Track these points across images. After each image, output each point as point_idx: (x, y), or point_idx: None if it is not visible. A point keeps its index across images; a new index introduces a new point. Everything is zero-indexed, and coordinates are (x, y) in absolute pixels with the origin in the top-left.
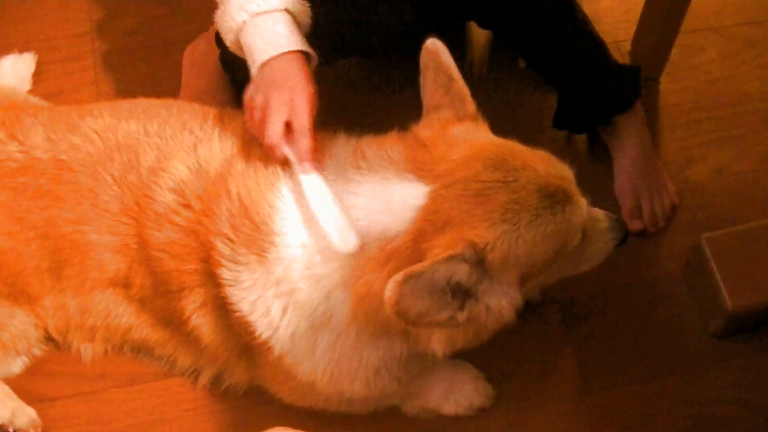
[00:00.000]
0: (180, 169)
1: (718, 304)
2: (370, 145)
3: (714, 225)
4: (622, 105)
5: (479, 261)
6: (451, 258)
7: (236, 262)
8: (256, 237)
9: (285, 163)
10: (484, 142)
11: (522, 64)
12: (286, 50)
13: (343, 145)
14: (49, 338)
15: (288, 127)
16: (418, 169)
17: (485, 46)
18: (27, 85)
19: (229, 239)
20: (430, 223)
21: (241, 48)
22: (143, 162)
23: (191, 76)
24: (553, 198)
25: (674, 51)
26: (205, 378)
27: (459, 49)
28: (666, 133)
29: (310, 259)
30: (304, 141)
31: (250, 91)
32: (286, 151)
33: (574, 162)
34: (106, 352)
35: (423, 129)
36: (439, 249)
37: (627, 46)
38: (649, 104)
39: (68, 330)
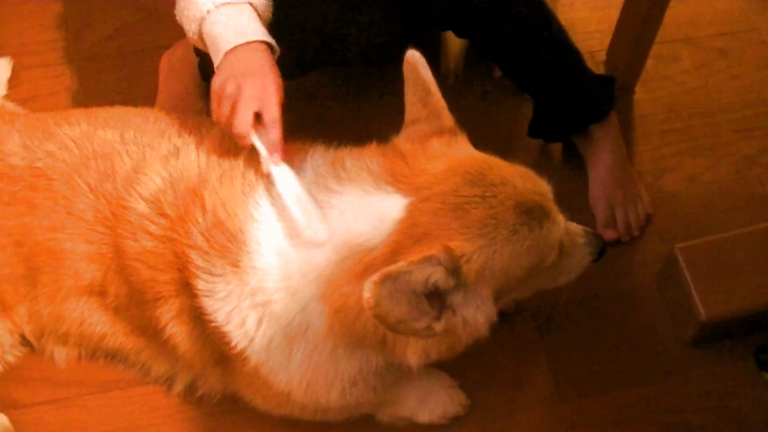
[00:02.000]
0: (155, 179)
1: (691, 313)
2: (349, 155)
3: (687, 234)
4: (596, 115)
5: (455, 269)
6: (426, 259)
7: (211, 273)
8: (231, 248)
9: (253, 153)
10: (463, 156)
11: (498, 73)
12: (252, 39)
13: (321, 155)
14: (23, 343)
15: (257, 117)
16: (397, 182)
17: (460, 54)
18: (2, 90)
19: (204, 251)
20: (407, 236)
21: (203, 40)
22: (119, 171)
23: (168, 83)
24: (530, 214)
25: (649, 61)
26: (180, 385)
27: (435, 57)
28: (640, 142)
29: (285, 271)
30: (274, 132)
31: (218, 80)
32: (255, 141)
33: (549, 171)
34: (79, 356)
35: (402, 141)
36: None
37: (602, 56)
38: (624, 114)
39: (42, 335)
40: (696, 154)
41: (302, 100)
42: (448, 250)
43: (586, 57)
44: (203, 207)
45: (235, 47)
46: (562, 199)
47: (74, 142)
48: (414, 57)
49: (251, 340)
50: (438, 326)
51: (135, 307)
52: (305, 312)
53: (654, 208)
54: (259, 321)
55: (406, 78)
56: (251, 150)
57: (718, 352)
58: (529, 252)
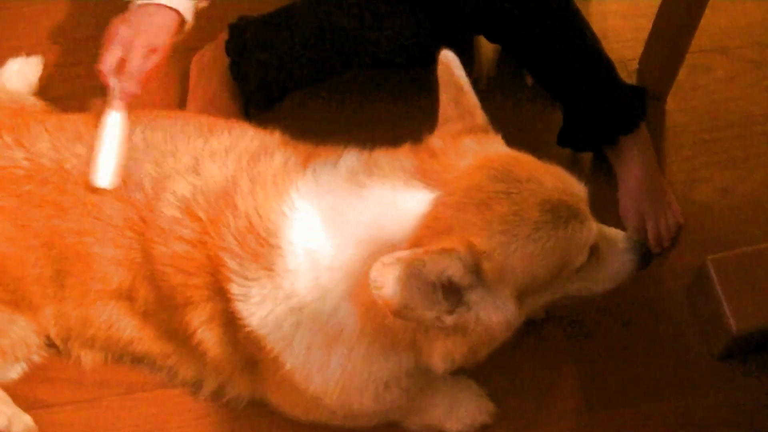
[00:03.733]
0: (185, 185)
1: (721, 325)
2: (383, 154)
3: (718, 245)
4: (627, 126)
5: (475, 267)
6: (445, 251)
7: (245, 277)
8: (264, 252)
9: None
10: (492, 153)
11: (530, 80)
12: (168, 4)
13: (356, 154)
14: (49, 344)
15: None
16: (426, 178)
17: (493, 60)
18: (33, 88)
19: (237, 254)
20: (430, 230)
21: None
22: (146, 177)
23: (199, 84)
24: (555, 212)
25: (681, 71)
26: (207, 390)
27: (467, 63)
28: (671, 152)
29: (315, 271)
30: (129, 83)
31: (115, 22)
32: (112, 83)
33: (578, 180)
34: (106, 360)
35: (435, 139)
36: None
37: (634, 65)
38: (655, 124)
39: (69, 338)
40: (728, 166)
41: (334, 102)
42: (470, 246)
43: (618, 65)
44: (235, 211)
45: (146, 3)
46: (591, 209)
47: None
48: (447, 57)
49: (288, 344)
50: (449, 319)
51: (164, 311)
52: (337, 313)
53: (685, 219)
54: (296, 325)
55: (440, 78)
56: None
57: (747, 366)
58: (552, 251)
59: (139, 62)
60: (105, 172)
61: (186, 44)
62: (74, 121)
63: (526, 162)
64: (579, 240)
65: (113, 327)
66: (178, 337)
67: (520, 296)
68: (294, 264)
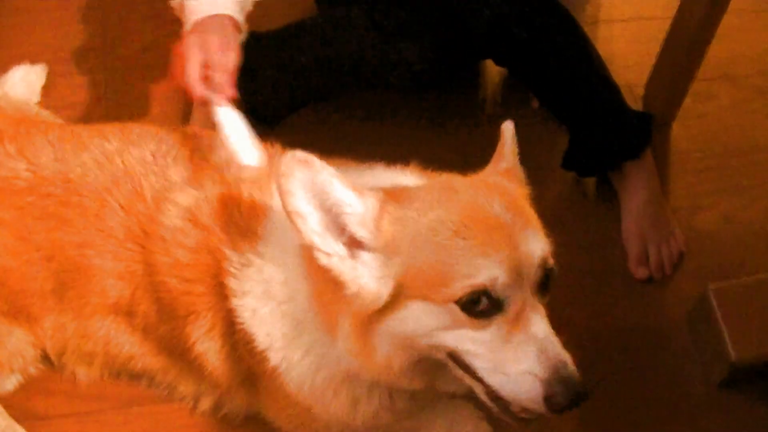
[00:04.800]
0: (187, 197)
1: (721, 354)
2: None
3: (720, 274)
4: (632, 151)
5: (375, 222)
6: (357, 190)
7: (242, 265)
8: (258, 234)
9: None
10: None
11: (535, 103)
12: (222, 12)
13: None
14: (45, 357)
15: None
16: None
17: (499, 84)
18: (37, 96)
19: (237, 244)
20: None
21: (182, 10)
22: (150, 189)
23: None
24: (474, 227)
25: (686, 98)
26: (205, 404)
27: (473, 86)
28: (675, 178)
29: (284, 252)
30: (219, 75)
31: (182, 42)
32: (204, 92)
33: (581, 203)
34: (102, 375)
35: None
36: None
37: (640, 90)
38: (660, 149)
39: (65, 352)
40: (732, 193)
41: (337, 119)
42: (383, 202)
43: (624, 90)
44: (240, 199)
45: (205, 17)
46: (595, 234)
47: (106, 158)
48: (507, 127)
49: (269, 336)
50: (335, 260)
51: (164, 325)
52: (299, 292)
53: (687, 247)
54: (272, 310)
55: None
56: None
57: (746, 395)
58: (446, 252)
59: (222, 59)
60: (247, 153)
61: None
62: (78, 133)
63: (501, 190)
64: (472, 266)
65: (111, 343)
66: (177, 351)
67: (400, 287)
68: (277, 220)
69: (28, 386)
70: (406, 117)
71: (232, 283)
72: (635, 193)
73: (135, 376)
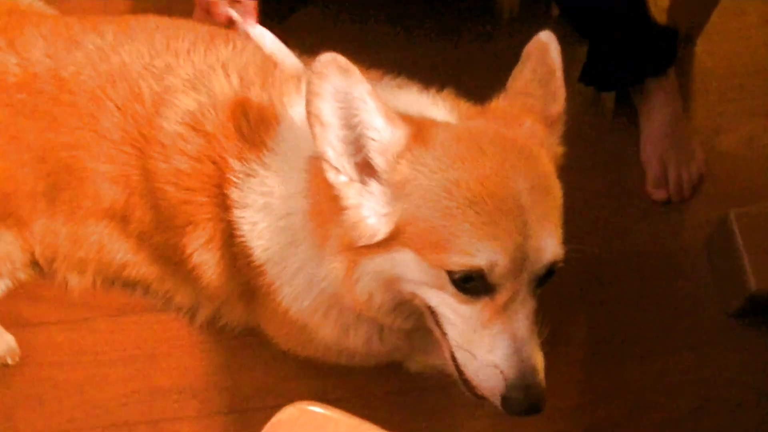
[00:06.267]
0: (189, 100)
1: (740, 282)
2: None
3: (741, 198)
4: (655, 68)
5: (395, 156)
6: (388, 116)
7: (246, 175)
8: (269, 132)
9: (230, 25)
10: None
11: (555, 12)
12: None
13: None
14: (35, 263)
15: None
16: (464, 115)
17: None
18: None
19: (242, 152)
20: (413, 119)
21: None
22: (149, 89)
23: None
24: (487, 202)
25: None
26: (202, 316)
27: None
28: (698, 97)
29: (286, 173)
30: (247, 1)
31: None
32: (230, 11)
33: (599, 120)
34: (94, 284)
35: (499, 102)
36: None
37: (665, 3)
38: (683, 67)
39: (55, 258)
40: (755, 114)
41: (348, 22)
42: (411, 137)
43: (647, 1)
44: (248, 104)
45: None
46: (612, 154)
47: (102, 54)
48: (549, 38)
49: (266, 250)
50: (342, 178)
51: (160, 234)
52: (298, 205)
53: (708, 169)
54: (272, 224)
55: (527, 54)
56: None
57: (761, 327)
58: (450, 217)
59: None
60: (292, 61)
61: None
62: (71, 26)
63: (532, 165)
64: (474, 244)
65: (105, 249)
66: (174, 261)
67: (398, 231)
68: (288, 130)
69: (16, 292)
70: (419, 23)
71: (234, 194)
72: (656, 112)
73: (129, 285)
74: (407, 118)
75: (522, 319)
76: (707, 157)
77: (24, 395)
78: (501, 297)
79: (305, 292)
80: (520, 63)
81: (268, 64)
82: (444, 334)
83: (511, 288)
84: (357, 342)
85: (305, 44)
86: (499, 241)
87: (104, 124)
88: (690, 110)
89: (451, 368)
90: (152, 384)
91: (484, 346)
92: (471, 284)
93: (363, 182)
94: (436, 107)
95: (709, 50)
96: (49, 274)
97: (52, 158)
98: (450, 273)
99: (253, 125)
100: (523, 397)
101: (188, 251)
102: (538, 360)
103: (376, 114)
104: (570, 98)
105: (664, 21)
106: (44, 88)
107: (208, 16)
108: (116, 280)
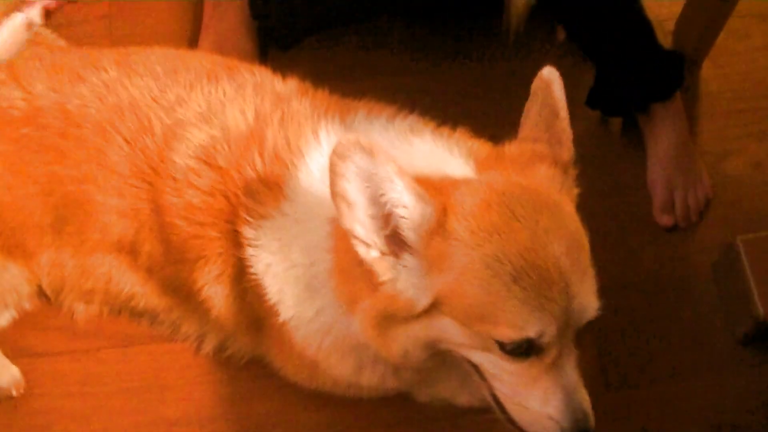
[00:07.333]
0: (201, 133)
1: (748, 308)
2: (459, 132)
3: (749, 223)
4: (661, 93)
5: (427, 231)
6: (415, 191)
7: (260, 216)
8: (283, 175)
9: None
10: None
11: (561, 36)
12: None
13: (416, 118)
14: (41, 293)
15: None
16: (480, 165)
17: (524, 14)
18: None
19: (257, 191)
20: (436, 184)
21: None
22: (160, 122)
23: (213, 21)
24: (530, 275)
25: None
26: (209, 346)
27: (496, 15)
28: (704, 121)
29: (306, 223)
30: None
31: None
32: None
33: (605, 144)
34: (101, 313)
35: (512, 148)
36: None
37: (670, 25)
38: (689, 89)
39: (62, 289)
40: (762, 138)
41: (356, 48)
42: (442, 212)
43: (653, 25)
44: (263, 143)
45: None
46: (619, 178)
47: (108, 88)
48: (551, 74)
49: (281, 290)
50: (374, 252)
51: (170, 267)
52: (319, 258)
53: (715, 193)
54: (288, 268)
55: (533, 93)
56: None
57: None
58: (494, 294)
59: None
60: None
61: None
62: (76, 59)
63: (562, 220)
64: (523, 318)
65: (113, 281)
66: (183, 293)
67: (438, 302)
68: (306, 181)
69: (22, 322)
70: (427, 46)
71: (247, 232)
72: (662, 136)
73: (136, 314)
74: (432, 188)
75: (570, 369)
76: (714, 180)
77: (30, 427)
78: (549, 356)
79: (322, 335)
80: (529, 101)
81: (284, 98)
82: (485, 380)
83: (558, 346)
84: (371, 380)
85: (311, 72)
86: (546, 311)
87: (112, 158)
88: (696, 133)
89: (493, 407)
90: (159, 415)
91: (537, 400)
92: (519, 350)
93: (396, 255)
94: (453, 156)
95: (715, 74)
96: (55, 304)
97: (59, 191)
98: (497, 342)
99: (269, 167)
100: None
101: (198, 285)
102: (587, 404)
103: (404, 192)
104: (577, 122)
105: (670, 44)
106: (50, 122)
107: None
108: (123, 310)
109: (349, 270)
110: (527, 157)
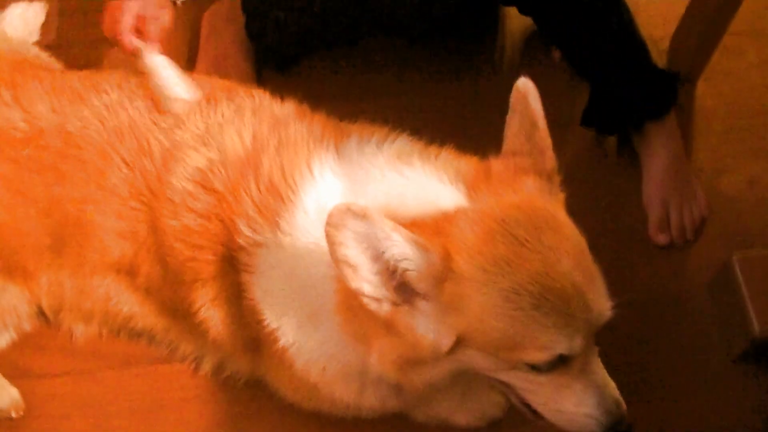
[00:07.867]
0: (201, 154)
1: (744, 326)
2: (447, 151)
3: (744, 240)
4: (655, 111)
5: (437, 279)
6: (415, 243)
7: (256, 244)
8: (279, 208)
9: (136, 55)
10: (541, 203)
11: (556, 56)
12: None
13: (406, 140)
14: (41, 314)
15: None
16: (471, 189)
17: (518, 36)
18: (35, 36)
19: (253, 219)
20: (432, 224)
21: None
22: (159, 145)
23: (210, 43)
24: (548, 297)
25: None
26: (207, 365)
27: (491, 38)
28: (699, 139)
29: (318, 231)
30: (152, 26)
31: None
32: (135, 42)
33: (600, 163)
34: (100, 333)
35: (497, 164)
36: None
37: (665, 45)
38: (684, 108)
39: (61, 309)
40: (757, 156)
41: (351, 69)
42: (445, 257)
43: (647, 43)
44: (259, 170)
45: None
46: (614, 196)
47: (108, 109)
48: (526, 86)
49: (281, 317)
50: (386, 307)
51: (168, 288)
52: (322, 283)
53: (710, 211)
54: (288, 296)
55: (512, 107)
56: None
57: (765, 371)
58: (518, 325)
59: (156, 12)
60: (179, 91)
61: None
62: (76, 81)
63: (562, 232)
64: (550, 339)
65: (111, 301)
66: (181, 313)
67: (461, 339)
68: (302, 219)
69: (22, 343)
70: (421, 67)
71: (243, 257)
72: (657, 155)
73: (135, 335)
74: (430, 232)
75: (596, 367)
76: (709, 198)
77: None
78: (576, 364)
79: (324, 362)
80: (509, 114)
81: (282, 122)
82: (514, 392)
83: (584, 353)
84: (373, 401)
85: (307, 93)
86: (571, 327)
87: (112, 180)
88: (691, 151)
89: (524, 411)
90: None
91: (571, 403)
92: (548, 365)
93: (409, 302)
94: (443, 185)
95: (709, 91)
96: (55, 324)
97: (59, 212)
98: (527, 363)
99: (264, 196)
100: (617, 425)
101: (196, 306)
102: (617, 393)
103: (405, 246)
104: (572, 140)
105: (664, 62)
106: (50, 143)
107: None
108: (122, 331)
109: (357, 309)
110: (512, 171)
